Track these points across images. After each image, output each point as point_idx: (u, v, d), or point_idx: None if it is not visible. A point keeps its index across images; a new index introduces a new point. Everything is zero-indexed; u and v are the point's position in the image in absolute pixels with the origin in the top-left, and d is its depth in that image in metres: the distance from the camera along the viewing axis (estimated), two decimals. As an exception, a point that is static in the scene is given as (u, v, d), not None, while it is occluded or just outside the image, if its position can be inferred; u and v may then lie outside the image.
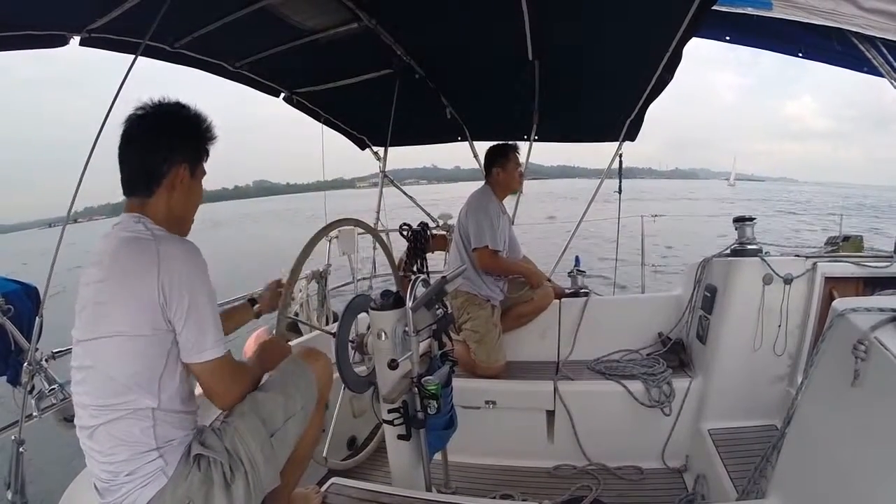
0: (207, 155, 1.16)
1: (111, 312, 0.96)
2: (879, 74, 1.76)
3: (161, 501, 0.96)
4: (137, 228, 1.01)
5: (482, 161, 3.60)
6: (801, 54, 2.13)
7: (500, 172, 2.52)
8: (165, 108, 1.08)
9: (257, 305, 1.60)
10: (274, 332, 1.55)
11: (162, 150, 1.06)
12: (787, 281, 1.99)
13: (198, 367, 1.02)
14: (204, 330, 1.00)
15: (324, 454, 1.73)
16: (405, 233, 3.18)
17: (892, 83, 1.73)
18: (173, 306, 0.97)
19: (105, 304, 0.96)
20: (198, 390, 1.11)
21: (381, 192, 3.34)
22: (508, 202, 2.82)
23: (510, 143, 2.61)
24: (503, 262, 2.46)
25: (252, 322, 1.65)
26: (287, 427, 1.18)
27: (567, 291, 2.76)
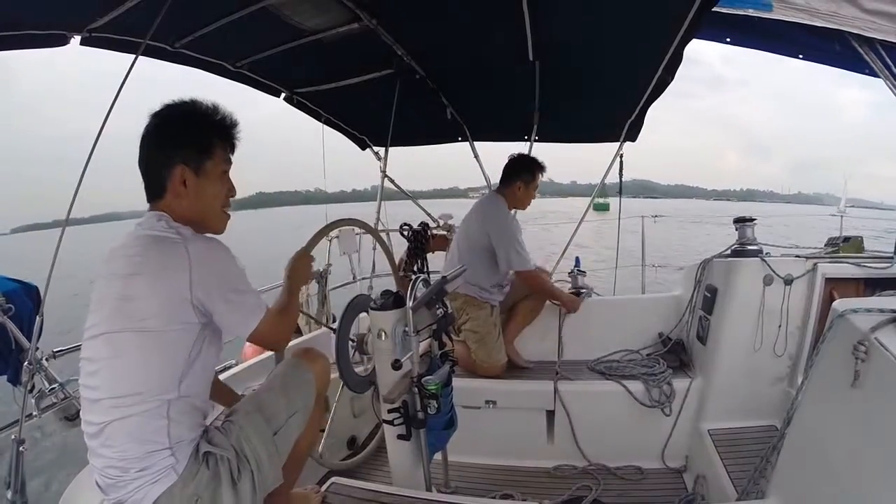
0: (225, 147, 1.12)
1: (140, 307, 0.96)
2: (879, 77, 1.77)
3: (170, 498, 0.97)
4: (160, 226, 1.02)
5: (481, 162, 3.63)
6: (801, 56, 2.13)
7: (523, 188, 2.47)
8: (160, 113, 1.07)
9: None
10: None
11: (155, 158, 1.07)
12: (788, 281, 1.99)
13: (253, 336, 1.09)
14: (244, 306, 1.07)
15: (319, 450, 1.73)
16: (405, 233, 3.17)
17: (890, 86, 1.73)
18: (209, 303, 1.01)
19: (133, 298, 0.97)
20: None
21: (380, 193, 3.34)
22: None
23: (540, 161, 2.56)
24: (548, 285, 2.55)
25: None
26: (289, 425, 1.21)
27: (569, 291, 2.76)
